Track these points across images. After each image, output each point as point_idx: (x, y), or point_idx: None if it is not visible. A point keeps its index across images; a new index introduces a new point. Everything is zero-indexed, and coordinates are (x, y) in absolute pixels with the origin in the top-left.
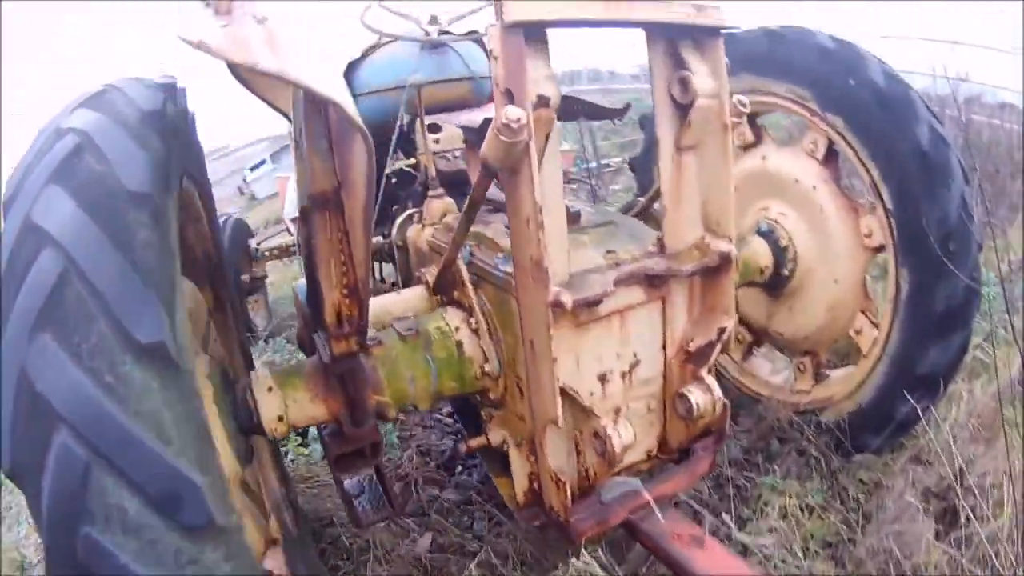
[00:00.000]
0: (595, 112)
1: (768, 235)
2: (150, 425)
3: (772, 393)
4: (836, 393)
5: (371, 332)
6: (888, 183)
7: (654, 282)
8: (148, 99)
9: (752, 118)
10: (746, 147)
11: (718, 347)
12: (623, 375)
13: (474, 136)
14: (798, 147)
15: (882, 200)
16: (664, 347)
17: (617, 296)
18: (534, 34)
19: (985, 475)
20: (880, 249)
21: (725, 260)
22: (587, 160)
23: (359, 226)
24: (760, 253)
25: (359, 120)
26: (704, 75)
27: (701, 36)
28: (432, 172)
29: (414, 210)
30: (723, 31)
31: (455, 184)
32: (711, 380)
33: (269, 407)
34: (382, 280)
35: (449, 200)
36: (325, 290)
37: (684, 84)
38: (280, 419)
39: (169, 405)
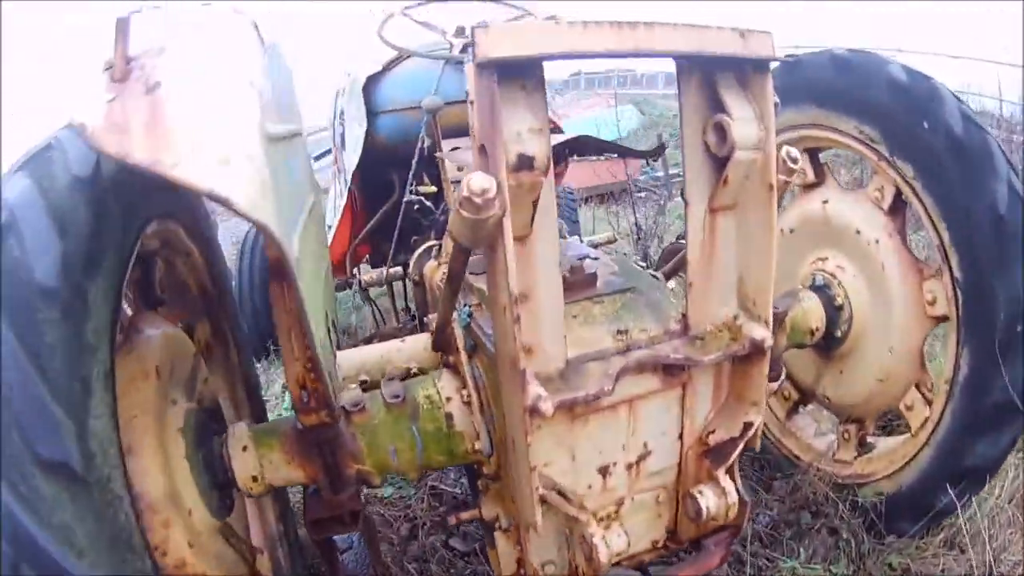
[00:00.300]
0: (624, 152)
1: (822, 290)
2: (62, 539)
3: (812, 459)
4: (878, 470)
5: (358, 393)
6: (958, 248)
7: (671, 370)
8: (82, 159)
9: (815, 155)
10: (806, 187)
11: (741, 445)
12: (629, 467)
13: None
14: (863, 193)
15: (950, 266)
16: (681, 436)
17: (625, 385)
18: (516, 73)
19: (1017, 566)
20: (943, 319)
21: (758, 349)
22: (656, 168)
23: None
24: (812, 313)
25: (256, 214)
26: (746, 121)
27: (745, 70)
28: (451, 203)
29: (433, 243)
30: (773, 63)
31: None
32: (727, 482)
33: (243, 467)
34: (406, 308)
35: None
36: (287, 363)
37: (721, 131)
38: (255, 479)
39: (81, 518)
